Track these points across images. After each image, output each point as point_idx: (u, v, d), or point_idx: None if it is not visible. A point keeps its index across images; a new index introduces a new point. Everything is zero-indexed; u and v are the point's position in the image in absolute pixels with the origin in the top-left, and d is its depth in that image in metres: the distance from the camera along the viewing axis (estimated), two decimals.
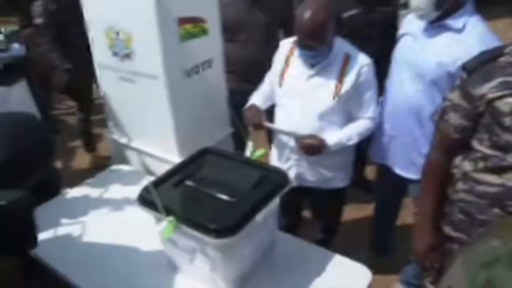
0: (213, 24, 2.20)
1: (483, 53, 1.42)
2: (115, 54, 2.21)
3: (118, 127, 2.50)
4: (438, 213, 1.59)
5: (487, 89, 1.33)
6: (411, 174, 2.04)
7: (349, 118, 2.01)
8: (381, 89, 2.11)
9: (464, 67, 1.43)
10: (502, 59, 1.34)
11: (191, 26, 2.09)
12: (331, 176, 2.09)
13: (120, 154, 2.56)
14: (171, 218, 1.49)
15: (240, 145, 1.94)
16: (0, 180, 1.18)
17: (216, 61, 2.29)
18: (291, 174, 2.06)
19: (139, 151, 2.41)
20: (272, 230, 1.71)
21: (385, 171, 2.19)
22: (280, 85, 2.04)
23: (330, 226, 2.40)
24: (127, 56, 2.15)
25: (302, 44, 1.87)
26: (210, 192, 1.61)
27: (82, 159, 4.21)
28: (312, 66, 1.93)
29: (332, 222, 2.39)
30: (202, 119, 2.24)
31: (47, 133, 1.43)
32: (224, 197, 1.58)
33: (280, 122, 2.06)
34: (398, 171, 2.10)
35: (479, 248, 0.70)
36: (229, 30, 2.62)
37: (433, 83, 1.85)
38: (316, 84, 1.93)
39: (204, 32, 2.16)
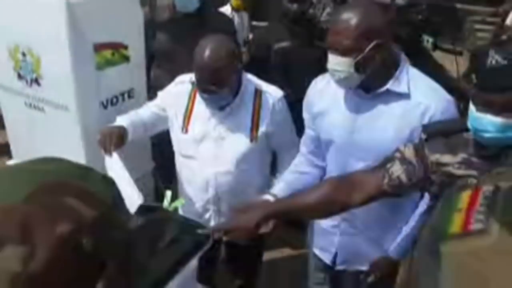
0: (136, 51, 2.05)
1: (447, 122, 1.37)
2: (20, 77, 1.99)
3: (22, 157, 2.26)
4: None
5: (449, 160, 1.28)
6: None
7: (270, 151, 1.96)
8: None
9: (425, 129, 1.37)
10: (465, 134, 1.30)
11: (110, 52, 1.92)
12: None
13: None
14: None
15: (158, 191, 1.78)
16: None
17: (139, 91, 2.14)
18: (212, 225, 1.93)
19: None
20: None
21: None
22: (185, 131, 1.83)
23: (251, 274, 2.31)
24: (35, 81, 1.94)
25: (200, 87, 1.70)
26: None
27: None
28: (220, 109, 1.78)
29: (253, 267, 2.30)
30: (120, 156, 2.06)
31: None
32: None
33: (191, 174, 1.88)
34: (363, 268, 1.81)
35: None
36: (161, 58, 2.48)
37: None
38: (229, 128, 1.80)
39: (125, 59, 2.00)
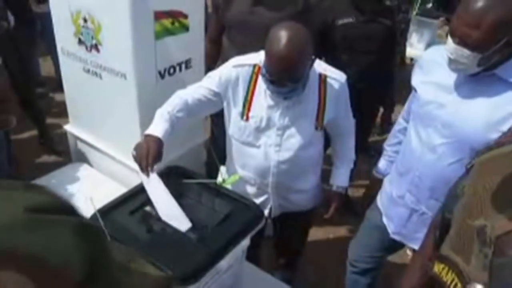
0: (196, 20, 2.03)
1: None
2: (81, 42, 2.01)
3: (79, 122, 2.32)
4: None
5: None
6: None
7: (326, 135, 1.93)
8: (368, 115, 2.02)
9: None
10: None
11: (170, 21, 1.91)
12: (305, 198, 1.99)
13: (79, 152, 2.39)
14: None
15: (214, 166, 1.77)
16: None
17: (196, 61, 2.12)
18: (267, 207, 1.94)
19: (101, 152, 2.23)
20: (238, 272, 1.58)
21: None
22: (245, 118, 1.75)
23: (296, 252, 2.32)
24: (95, 47, 1.96)
25: (271, 79, 1.59)
26: (170, 225, 1.47)
27: (39, 152, 3.89)
28: (285, 98, 1.68)
29: (299, 246, 2.31)
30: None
31: None
32: (187, 232, 1.43)
33: (249, 159, 1.83)
34: (415, 246, 1.79)
35: None
36: (229, 29, 2.42)
37: (474, 151, 1.43)
38: (295, 117, 1.73)
39: (184, 28, 1.99)
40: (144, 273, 0.51)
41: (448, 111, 1.53)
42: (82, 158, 2.40)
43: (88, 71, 2.06)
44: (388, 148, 1.98)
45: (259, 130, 1.75)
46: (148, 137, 1.60)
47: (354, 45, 2.38)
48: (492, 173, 0.67)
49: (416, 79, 1.71)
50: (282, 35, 1.51)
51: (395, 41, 2.50)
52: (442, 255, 0.68)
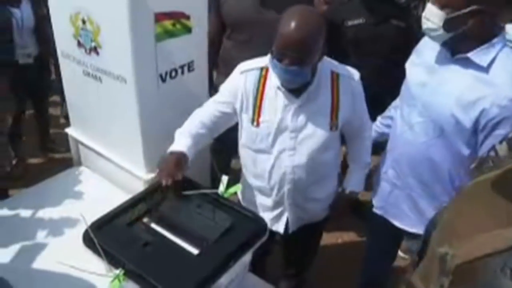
0: (198, 21, 1.96)
1: None
2: (80, 44, 1.96)
3: (80, 125, 2.28)
4: None
5: None
6: (405, 226, 1.86)
7: (342, 137, 1.85)
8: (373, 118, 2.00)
9: None
10: None
11: (171, 23, 1.85)
12: (321, 208, 1.93)
13: (80, 156, 2.34)
14: (118, 271, 1.30)
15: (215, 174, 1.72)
16: None
17: (200, 63, 2.06)
18: (283, 220, 1.87)
19: (102, 156, 2.18)
20: (241, 287, 1.52)
21: (381, 222, 1.96)
22: (256, 124, 1.68)
23: (307, 263, 2.24)
24: (94, 50, 1.91)
25: (281, 57, 1.50)
26: (169, 238, 1.42)
27: (41, 155, 3.89)
28: (296, 96, 1.62)
29: (310, 257, 2.24)
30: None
31: None
32: (186, 246, 1.39)
33: (262, 168, 1.76)
34: (396, 223, 1.89)
35: None
36: (232, 28, 2.36)
37: (443, 131, 1.59)
38: (307, 117, 1.65)
39: (186, 30, 1.92)
40: None
41: (428, 91, 1.62)
42: (83, 162, 2.35)
43: (88, 74, 2.01)
44: (379, 118, 2.07)
45: (271, 135, 1.68)
46: (171, 153, 1.65)
47: (363, 47, 2.30)
48: (468, 199, 0.65)
49: (409, 62, 1.80)
50: (295, 12, 1.50)
51: (409, 43, 2.40)
52: (410, 282, 0.66)
